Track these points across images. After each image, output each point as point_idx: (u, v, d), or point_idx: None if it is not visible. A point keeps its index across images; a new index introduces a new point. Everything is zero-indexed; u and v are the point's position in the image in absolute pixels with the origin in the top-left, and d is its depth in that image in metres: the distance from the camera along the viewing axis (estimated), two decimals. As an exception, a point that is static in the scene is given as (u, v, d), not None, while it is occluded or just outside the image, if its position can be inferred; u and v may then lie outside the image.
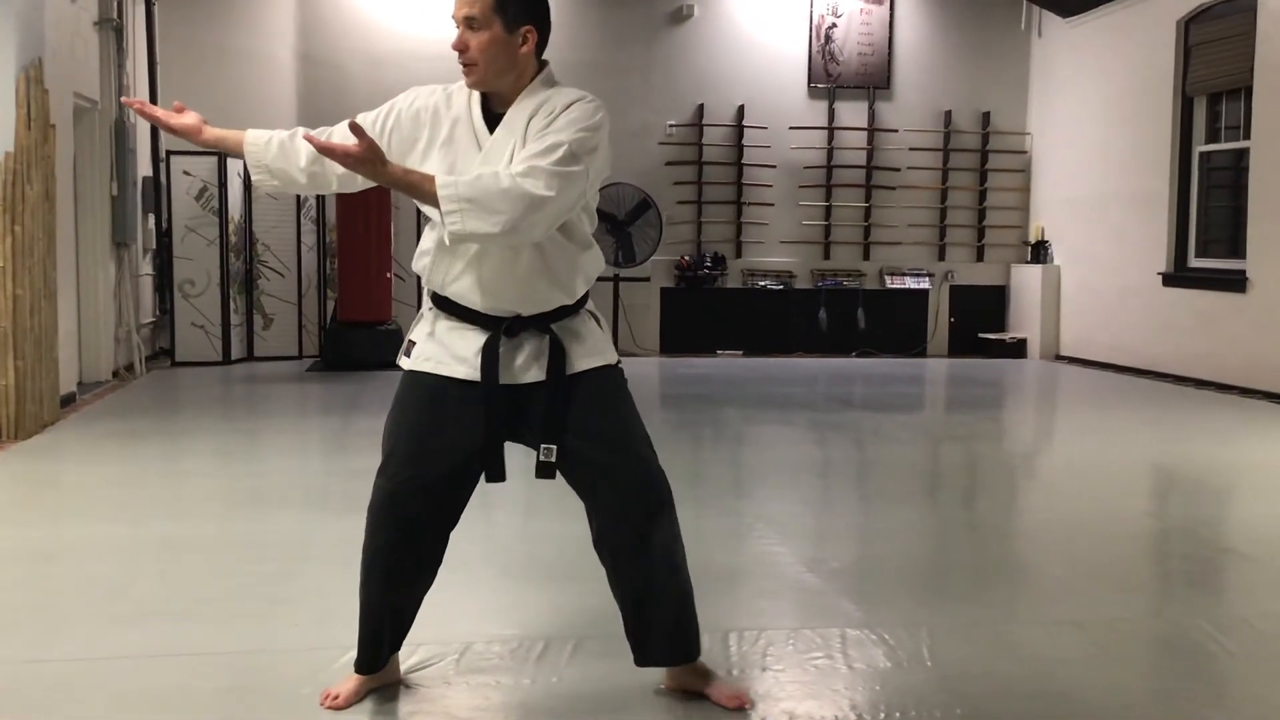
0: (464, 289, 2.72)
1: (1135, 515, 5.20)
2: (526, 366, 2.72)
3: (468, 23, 2.64)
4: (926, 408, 9.15)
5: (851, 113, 11.86)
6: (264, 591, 3.75)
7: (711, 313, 11.64)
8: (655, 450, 2.81)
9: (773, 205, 11.71)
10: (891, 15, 11.82)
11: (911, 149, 11.90)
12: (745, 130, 11.64)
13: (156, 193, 9.90)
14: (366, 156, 2.47)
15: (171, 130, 2.84)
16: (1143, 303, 10.26)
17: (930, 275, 12.01)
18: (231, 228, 10.01)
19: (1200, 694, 3.01)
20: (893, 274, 11.94)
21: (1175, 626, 3.54)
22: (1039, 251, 11.78)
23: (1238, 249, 9.29)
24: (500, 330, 2.71)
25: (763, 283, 11.70)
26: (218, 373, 9.53)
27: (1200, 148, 9.87)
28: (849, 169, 11.87)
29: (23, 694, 2.91)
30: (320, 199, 10.50)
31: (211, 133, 2.85)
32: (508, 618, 3.52)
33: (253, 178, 2.89)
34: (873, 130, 11.85)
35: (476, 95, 2.73)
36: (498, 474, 2.75)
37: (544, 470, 2.73)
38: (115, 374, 8.84)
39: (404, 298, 10.69)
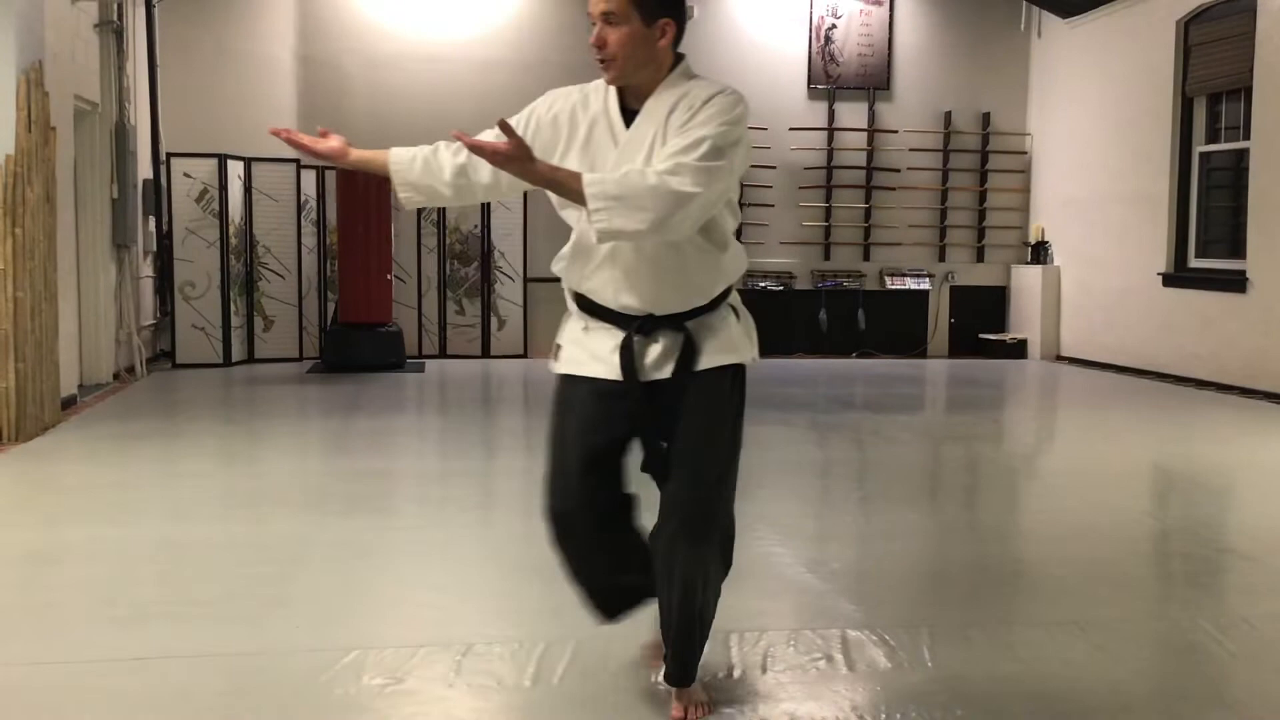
0: (599, 286, 2.74)
1: (1135, 516, 5.20)
2: (659, 364, 2.70)
3: (606, 18, 2.60)
4: (927, 408, 9.15)
5: (851, 113, 11.86)
6: (263, 593, 3.75)
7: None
8: (735, 481, 2.78)
9: (773, 206, 11.70)
10: (891, 16, 11.82)
11: (911, 150, 11.90)
12: (745, 131, 11.61)
13: (157, 195, 9.90)
14: (516, 154, 2.48)
15: (317, 155, 2.90)
16: (1143, 303, 10.25)
17: (930, 276, 12.00)
18: (232, 230, 10.02)
19: (1200, 694, 3.01)
20: (893, 275, 11.94)
21: (1175, 626, 3.55)
22: (1039, 252, 11.78)
23: (1238, 249, 9.29)
24: (634, 329, 2.69)
25: (763, 283, 11.69)
26: (218, 374, 9.53)
27: (1200, 148, 9.87)
28: (849, 170, 11.87)
29: (23, 696, 2.91)
30: (320, 200, 10.51)
31: (356, 154, 2.90)
32: (508, 619, 3.52)
33: (400, 196, 2.89)
34: (873, 131, 11.85)
35: (613, 92, 2.70)
36: (653, 465, 2.72)
37: (652, 465, 2.73)
38: (116, 376, 8.85)
39: (404, 299, 10.70)
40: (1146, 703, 2.95)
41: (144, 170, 9.70)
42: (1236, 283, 9.10)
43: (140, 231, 9.47)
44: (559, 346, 2.86)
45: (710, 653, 3.17)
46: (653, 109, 2.64)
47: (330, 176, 10.37)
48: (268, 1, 10.73)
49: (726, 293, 2.78)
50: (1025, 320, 11.86)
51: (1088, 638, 3.38)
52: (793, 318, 11.73)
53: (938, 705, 2.88)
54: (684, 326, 2.69)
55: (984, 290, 12.12)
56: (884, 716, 2.82)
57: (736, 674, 3.07)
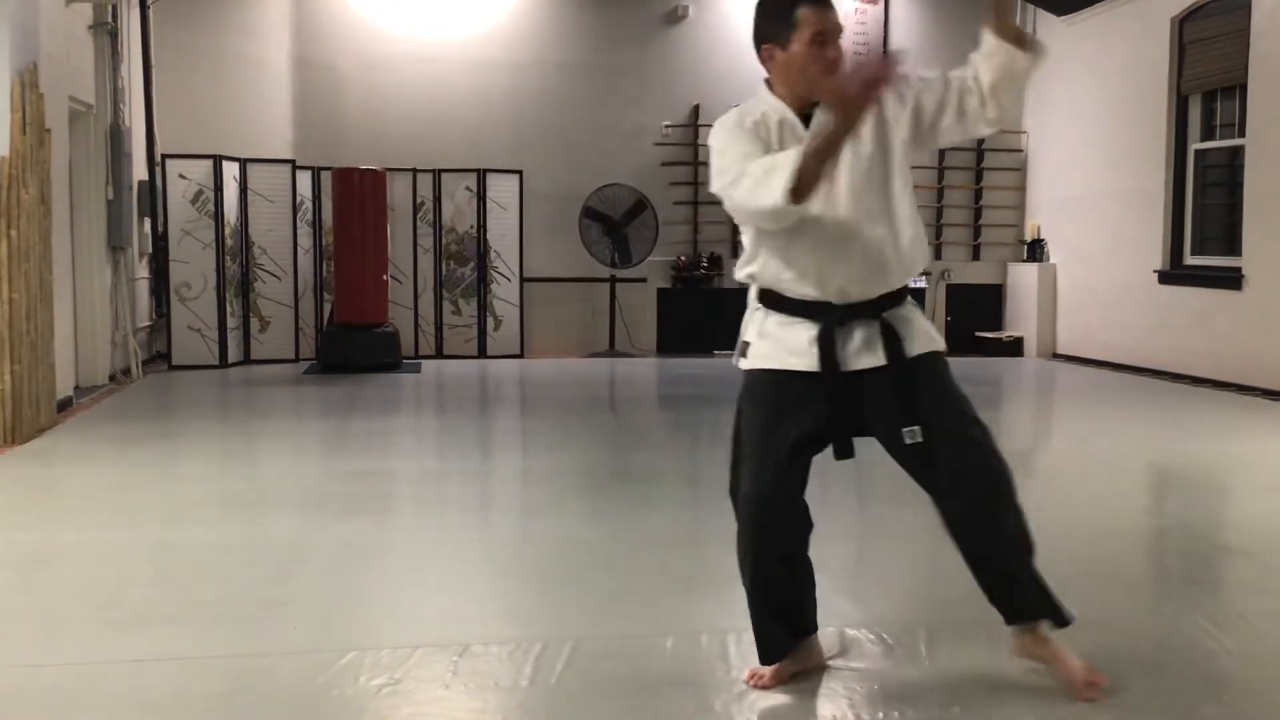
0: (796, 279, 2.81)
1: (1132, 513, 5.21)
2: (859, 353, 2.82)
3: (837, 35, 2.78)
4: (923, 407, 9.14)
5: (847, 112, 11.85)
6: (261, 594, 3.74)
7: (708, 313, 11.63)
8: (990, 432, 2.91)
9: (769, 205, 11.70)
10: (886, 15, 11.82)
11: (907, 148, 11.88)
12: (741, 130, 11.62)
13: (152, 196, 9.89)
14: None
15: None
16: (1139, 301, 10.26)
17: (927, 274, 12.00)
18: (227, 231, 10.01)
19: (1197, 690, 3.01)
20: (889, 273, 11.93)
21: (1172, 624, 3.55)
22: (1035, 250, 11.79)
23: (1233, 246, 9.30)
24: (834, 319, 2.80)
25: (759, 283, 11.69)
26: (214, 376, 9.53)
27: (1195, 146, 9.88)
28: (845, 169, 11.85)
29: (20, 699, 2.91)
30: (316, 201, 10.50)
31: None
32: (505, 620, 3.52)
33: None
34: (868, 130, 11.84)
35: (782, 105, 2.84)
36: (847, 451, 2.91)
37: (846, 451, 2.90)
38: (112, 378, 8.84)
39: (400, 299, 10.70)
40: (1143, 700, 2.95)
41: (139, 172, 9.70)
42: (1232, 280, 9.11)
43: (135, 233, 9.47)
44: (746, 343, 2.94)
45: (708, 652, 3.18)
46: (821, 119, 2.74)
47: (326, 177, 10.37)
48: (262, 3, 10.72)
49: (908, 287, 2.95)
50: (1021, 318, 11.86)
51: (1085, 635, 3.38)
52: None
53: (935, 703, 2.88)
54: (880, 317, 2.83)
55: (980, 288, 12.13)
56: (881, 715, 2.82)
57: (734, 673, 3.07)
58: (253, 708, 2.86)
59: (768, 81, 2.90)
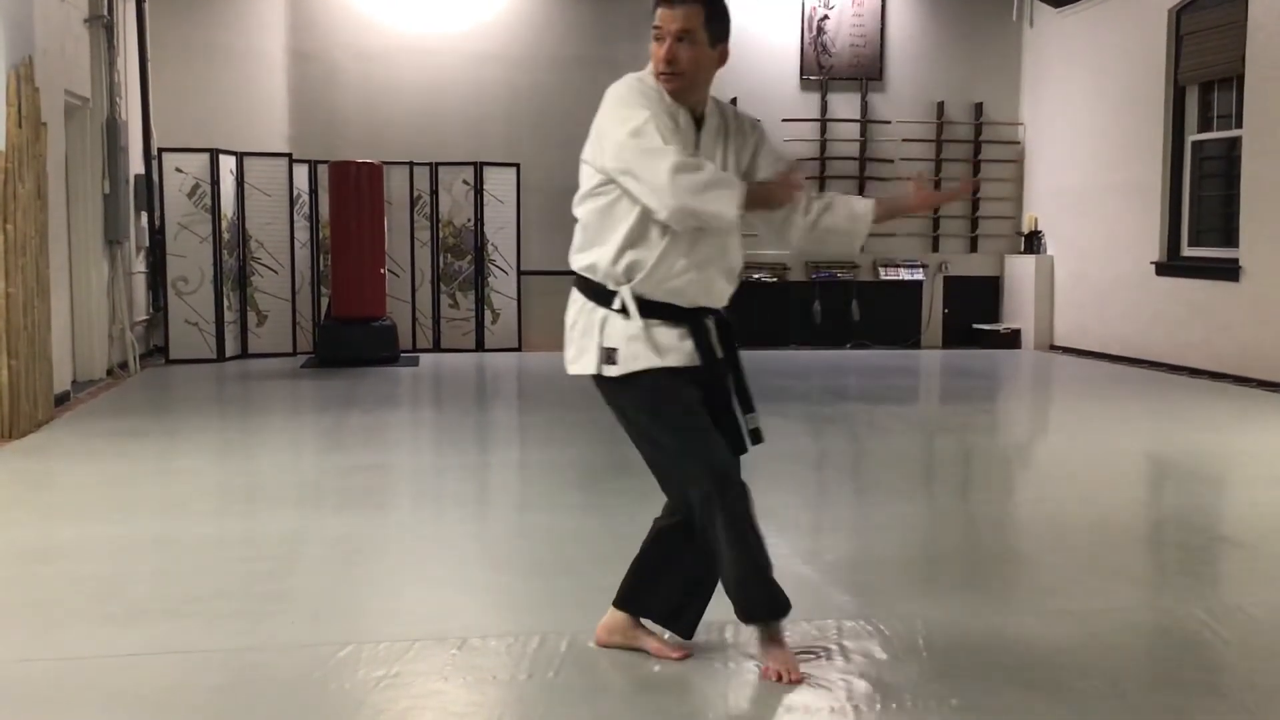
0: (680, 288, 2.91)
1: (1130, 504, 5.21)
2: (715, 345, 3.00)
3: (681, 36, 2.87)
4: (921, 399, 9.16)
5: (844, 104, 11.86)
6: (259, 588, 3.74)
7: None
8: None
9: (766, 198, 11.70)
10: (883, 6, 11.81)
11: (904, 140, 11.89)
12: (738, 123, 11.61)
13: (149, 190, 9.88)
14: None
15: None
16: (1136, 292, 10.27)
17: (924, 267, 12.01)
18: (224, 224, 10.00)
19: (1195, 682, 3.02)
20: (886, 266, 11.94)
21: (1170, 615, 3.55)
22: (1032, 242, 11.79)
23: (1230, 238, 9.31)
24: (701, 318, 2.96)
25: (756, 275, 11.69)
26: (212, 370, 9.52)
27: (1192, 137, 9.88)
28: (842, 160, 11.86)
29: (17, 693, 2.91)
30: (313, 195, 10.49)
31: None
32: (503, 613, 3.52)
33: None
34: (865, 122, 11.84)
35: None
36: (741, 447, 3.01)
37: (755, 437, 3.03)
38: (109, 372, 8.83)
39: (397, 293, 10.69)
40: (1141, 691, 2.95)
41: (136, 165, 9.68)
42: (1229, 271, 9.11)
43: (132, 227, 9.45)
44: (610, 350, 2.92)
45: (708, 644, 3.18)
46: (713, 126, 2.96)
47: (323, 171, 10.35)
48: (258, -5, 10.70)
49: None
50: (1019, 310, 11.87)
51: (1083, 626, 3.39)
52: (787, 309, 11.74)
53: (933, 695, 2.88)
54: (718, 312, 3.02)
55: (977, 280, 12.13)
56: (879, 706, 2.82)
57: (732, 665, 3.07)
58: (250, 701, 2.86)
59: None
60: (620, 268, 2.90)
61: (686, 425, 2.90)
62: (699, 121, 2.95)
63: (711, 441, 2.90)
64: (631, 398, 2.94)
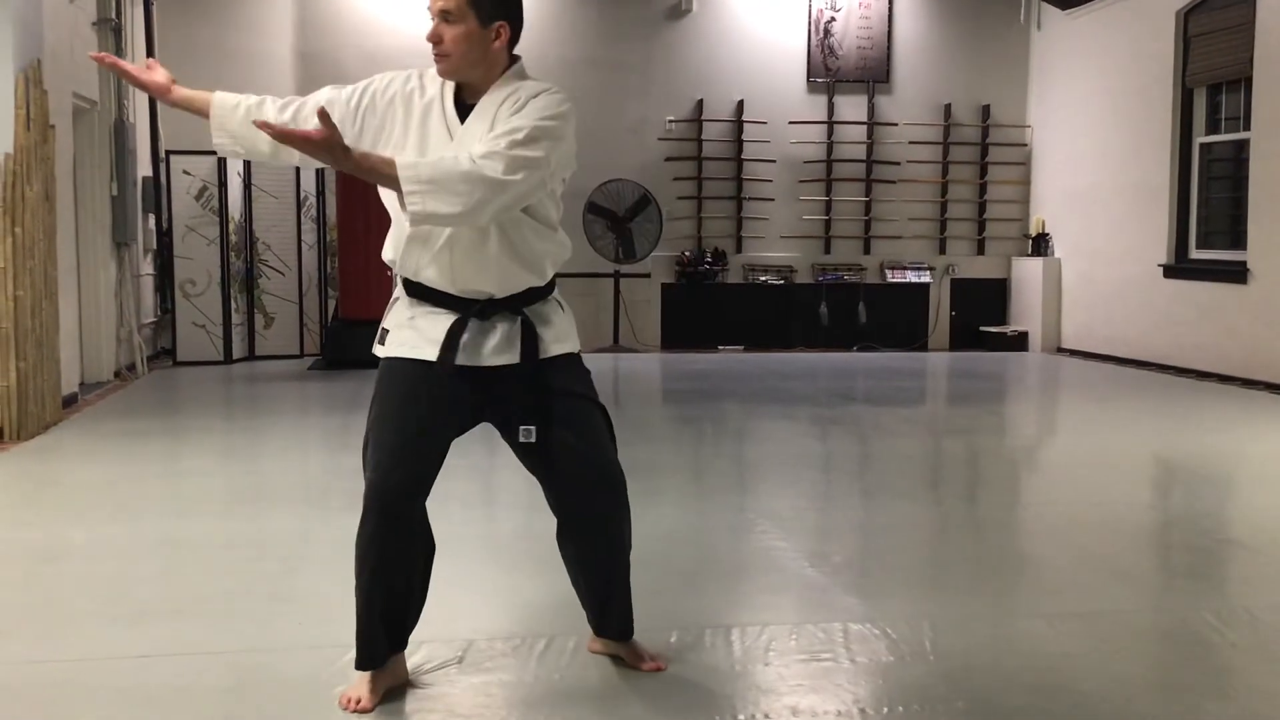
0: (436, 273, 2.77)
1: (1137, 507, 5.20)
2: (499, 350, 2.78)
3: (443, 15, 2.72)
4: (928, 401, 9.15)
5: (851, 107, 11.85)
6: (265, 590, 3.75)
7: (712, 308, 11.64)
8: (613, 441, 2.92)
9: (773, 200, 11.71)
10: (890, 8, 11.80)
11: (911, 143, 11.88)
12: (745, 125, 11.63)
13: (156, 192, 9.90)
14: (327, 144, 2.49)
15: (141, 86, 2.93)
16: (1144, 295, 10.25)
17: (931, 269, 12.00)
18: (232, 227, 10.01)
19: (1202, 685, 3.01)
20: (893, 268, 11.93)
21: (1177, 618, 3.54)
22: (1040, 244, 11.77)
23: (1238, 240, 9.29)
24: (470, 313, 2.76)
25: (763, 278, 11.69)
26: (219, 372, 9.54)
27: (1200, 139, 9.86)
28: (849, 163, 11.86)
29: (24, 694, 2.91)
30: (320, 197, 10.50)
31: (180, 93, 2.94)
32: (510, 615, 3.52)
33: (215, 141, 2.93)
34: (872, 124, 11.83)
35: (449, 84, 2.81)
36: (513, 436, 2.84)
37: (513, 436, 2.82)
38: (117, 374, 8.85)
39: (405, 295, 10.68)
40: (1148, 694, 2.95)
41: (143, 168, 9.70)
42: (1237, 274, 9.09)
43: (140, 229, 9.47)
44: (385, 330, 2.86)
45: (712, 647, 3.17)
46: (485, 106, 2.74)
47: (330, 173, 10.36)
48: (266, -2, 10.72)
49: (554, 283, 2.90)
50: (1026, 313, 11.85)
51: (1089, 629, 3.38)
52: (793, 311, 11.74)
53: (939, 698, 2.88)
54: (521, 313, 2.79)
55: (985, 283, 12.12)
56: (886, 709, 2.82)
57: (739, 668, 3.07)
58: (257, 703, 2.86)
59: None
60: (388, 254, 2.86)
61: (380, 425, 2.77)
62: (469, 106, 2.76)
63: (389, 452, 2.74)
64: (377, 379, 2.86)
